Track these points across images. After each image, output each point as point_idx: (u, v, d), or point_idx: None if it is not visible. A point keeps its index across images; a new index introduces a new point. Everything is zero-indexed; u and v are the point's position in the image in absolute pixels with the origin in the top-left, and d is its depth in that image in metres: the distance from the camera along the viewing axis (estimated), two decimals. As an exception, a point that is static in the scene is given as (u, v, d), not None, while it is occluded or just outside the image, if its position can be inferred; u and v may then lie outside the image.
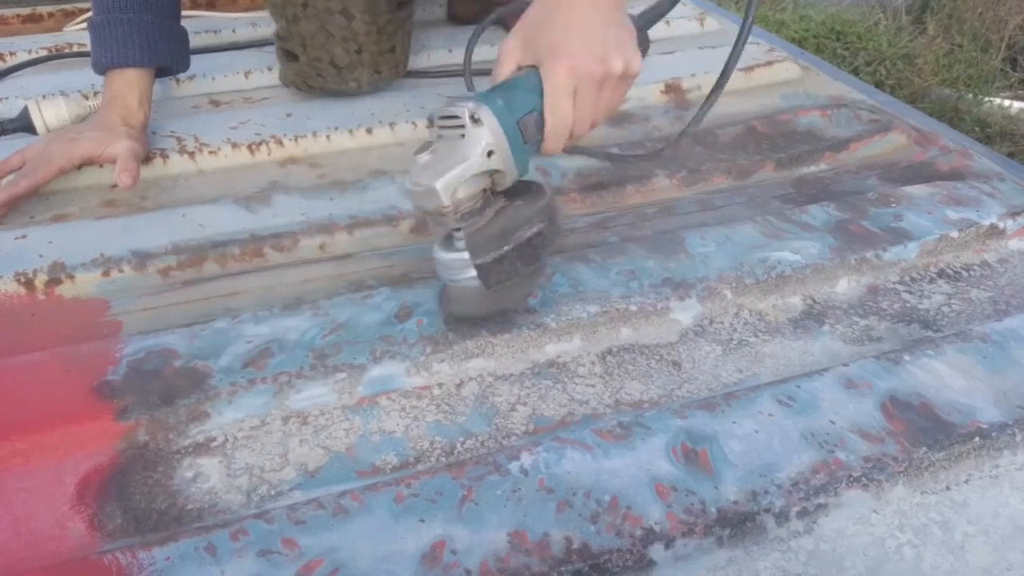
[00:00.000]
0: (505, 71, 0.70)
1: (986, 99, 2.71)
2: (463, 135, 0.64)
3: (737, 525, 0.55)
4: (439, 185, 0.63)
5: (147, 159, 0.96)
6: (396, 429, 0.64)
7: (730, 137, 1.04)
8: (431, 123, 0.67)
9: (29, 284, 0.78)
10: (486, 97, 0.66)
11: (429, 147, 0.65)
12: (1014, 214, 0.86)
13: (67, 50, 1.24)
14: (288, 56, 1.08)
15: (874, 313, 0.77)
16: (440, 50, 1.25)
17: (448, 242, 0.68)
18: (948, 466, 0.60)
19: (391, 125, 1.04)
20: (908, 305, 0.78)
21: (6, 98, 1.10)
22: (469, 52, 1.05)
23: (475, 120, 0.64)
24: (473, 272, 0.66)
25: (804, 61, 1.24)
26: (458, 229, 0.65)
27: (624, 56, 0.70)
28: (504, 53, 0.70)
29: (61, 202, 0.92)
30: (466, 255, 0.65)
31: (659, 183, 0.96)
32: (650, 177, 0.96)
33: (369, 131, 1.04)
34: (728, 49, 1.22)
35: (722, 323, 0.75)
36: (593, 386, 0.69)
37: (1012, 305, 0.78)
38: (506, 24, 1.26)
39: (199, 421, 0.63)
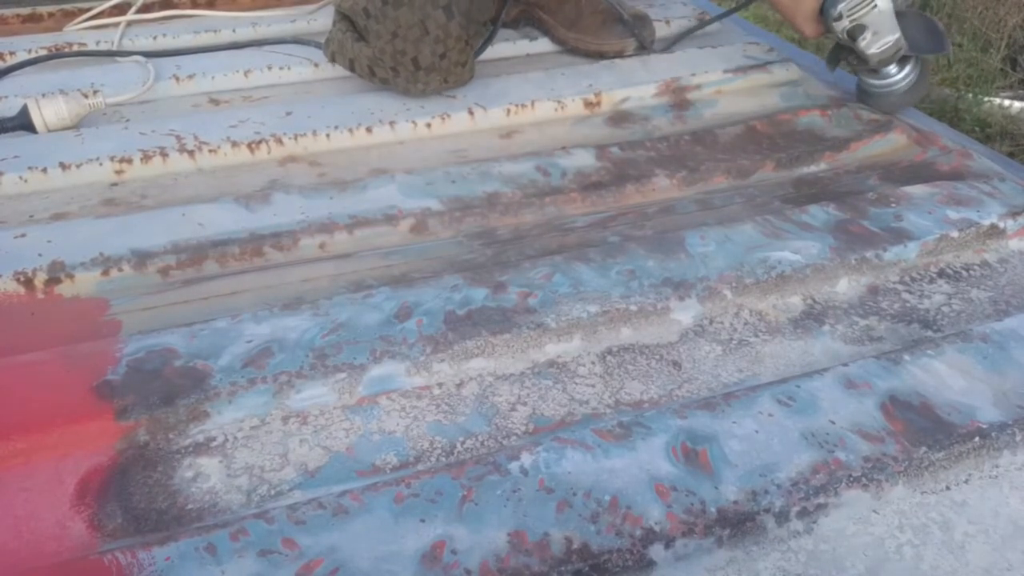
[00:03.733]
0: None
1: (986, 99, 2.71)
2: (875, 6, 0.98)
3: (737, 525, 0.55)
4: (898, 34, 1.00)
5: (147, 158, 0.96)
6: (396, 429, 0.64)
7: (730, 137, 1.04)
8: (840, 16, 0.99)
9: (28, 283, 0.78)
10: None
11: (863, 31, 0.99)
12: (1014, 214, 0.86)
13: (67, 50, 1.24)
14: (358, 37, 1.06)
15: (874, 313, 0.77)
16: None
17: (874, 74, 1.06)
18: (948, 466, 0.60)
19: (391, 124, 1.04)
20: (908, 305, 0.78)
21: (5, 97, 1.10)
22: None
23: None
24: (904, 84, 1.06)
25: (804, 61, 1.24)
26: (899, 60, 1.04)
27: None
28: None
29: (60, 201, 0.92)
30: (902, 75, 1.05)
31: (659, 183, 0.96)
32: (650, 177, 0.96)
33: (369, 130, 1.04)
34: (729, 48, 1.22)
35: (722, 323, 0.75)
36: (593, 386, 0.69)
37: (1012, 305, 0.78)
38: (541, 23, 1.28)
39: (199, 421, 0.63)
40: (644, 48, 1.23)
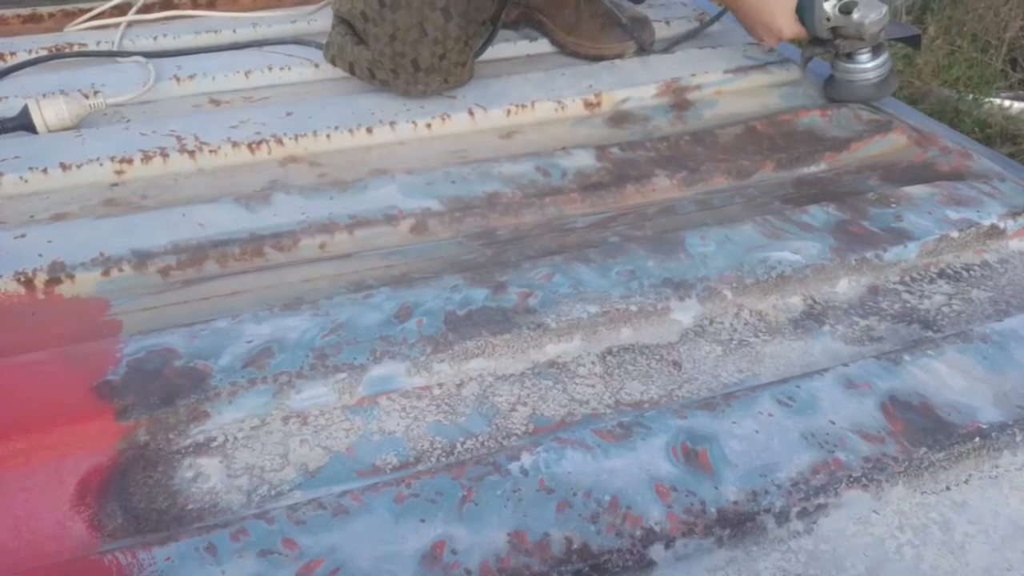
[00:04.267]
0: None
1: (986, 100, 2.70)
2: None
3: (737, 525, 0.55)
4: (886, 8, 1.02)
5: (147, 158, 0.97)
6: (396, 429, 0.64)
7: (730, 137, 1.04)
8: None
9: (29, 283, 0.78)
10: None
11: (855, 6, 1.02)
12: (1014, 214, 0.86)
13: (67, 50, 1.24)
14: (357, 41, 1.06)
15: (874, 313, 0.77)
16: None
17: (848, 60, 1.08)
18: (948, 466, 0.60)
19: (391, 124, 1.04)
20: (908, 305, 0.78)
21: (6, 97, 1.10)
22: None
23: None
24: (876, 74, 1.08)
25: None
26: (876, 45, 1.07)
27: None
28: None
29: (61, 201, 0.92)
30: (874, 64, 1.07)
31: (659, 183, 0.96)
32: (650, 177, 0.96)
33: (369, 130, 1.04)
34: (729, 48, 1.22)
35: (722, 323, 0.75)
36: (593, 386, 0.69)
37: (1012, 305, 0.78)
38: (541, 25, 1.28)
39: (199, 421, 0.63)
40: (644, 51, 1.23)
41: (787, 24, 1.07)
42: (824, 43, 1.08)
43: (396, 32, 1.01)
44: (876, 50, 1.07)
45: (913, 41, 1.14)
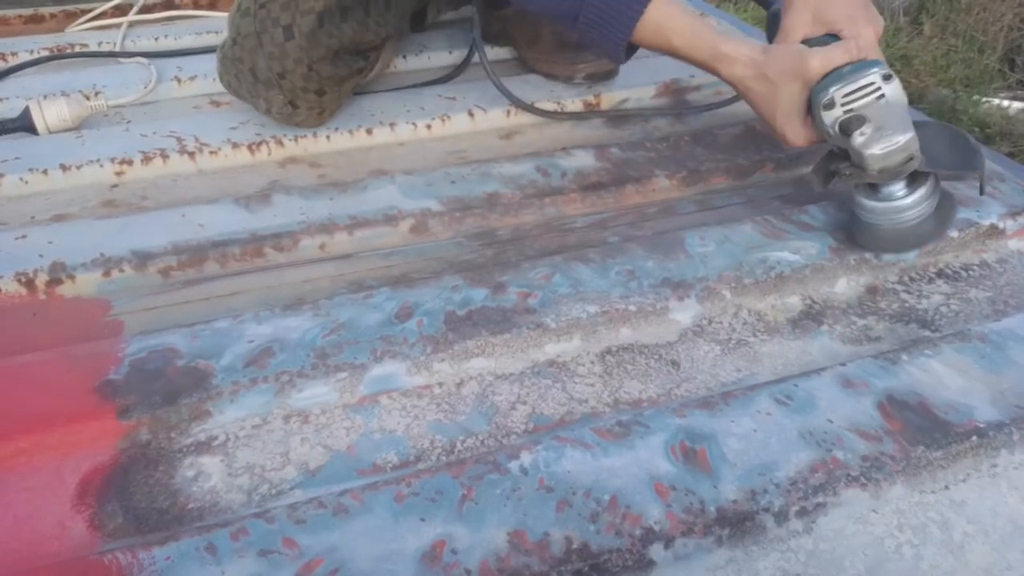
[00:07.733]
0: (795, 37, 0.82)
1: (984, 99, 2.71)
2: (882, 95, 0.74)
3: (736, 524, 0.55)
4: (911, 134, 0.74)
5: (147, 159, 0.97)
6: (397, 428, 0.65)
7: (729, 137, 1.05)
8: (832, 104, 0.76)
9: (30, 284, 0.78)
10: (867, 63, 0.76)
11: (861, 123, 0.74)
12: (1014, 214, 0.86)
13: (68, 51, 1.24)
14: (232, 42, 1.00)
15: (872, 313, 0.77)
16: (441, 51, 1.25)
17: (873, 192, 0.77)
18: (946, 465, 0.60)
19: (391, 125, 1.05)
20: (906, 305, 0.78)
21: (7, 98, 1.11)
22: (483, 56, 1.10)
23: (887, 78, 0.74)
24: (916, 212, 0.77)
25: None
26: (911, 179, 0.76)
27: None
28: (793, 27, 0.82)
29: (61, 202, 0.92)
30: (912, 199, 0.76)
31: (659, 183, 0.96)
32: (649, 177, 0.96)
33: (369, 131, 1.04)
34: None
35: (721, 323, 0.76)
36: (593, 385, 0.69)
37: (1010, 305, 0.78)
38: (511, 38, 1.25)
39: (201, 420, 0.64)
40: (590, 78, 1.15)
41: (790, 127, 0.83)
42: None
43: (237, 37, 0.97)
44: (914, 181, 0.76)
45: (968, 169, 0.78)
